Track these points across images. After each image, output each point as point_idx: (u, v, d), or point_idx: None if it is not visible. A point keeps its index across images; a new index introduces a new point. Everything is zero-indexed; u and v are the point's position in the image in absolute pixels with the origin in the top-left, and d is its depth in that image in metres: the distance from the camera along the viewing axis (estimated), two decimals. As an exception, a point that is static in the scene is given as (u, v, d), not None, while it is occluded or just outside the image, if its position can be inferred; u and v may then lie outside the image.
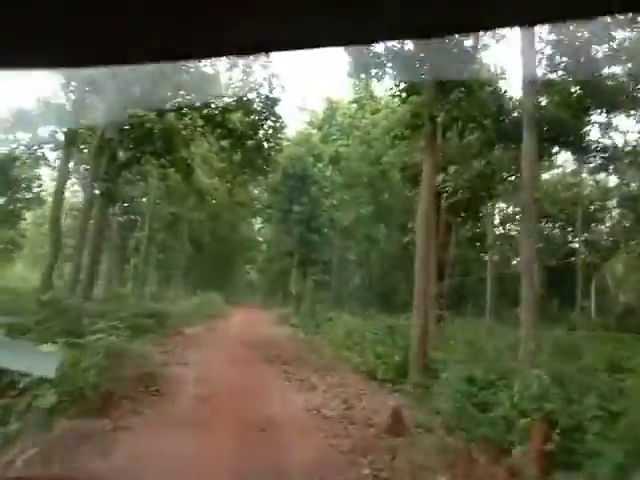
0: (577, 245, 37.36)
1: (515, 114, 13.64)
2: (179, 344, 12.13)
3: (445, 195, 13.01)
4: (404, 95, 11.31)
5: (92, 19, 0.52)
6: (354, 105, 37.50)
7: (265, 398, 7.14)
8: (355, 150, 35.07)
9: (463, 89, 11.09)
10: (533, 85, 9.78)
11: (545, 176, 33.45)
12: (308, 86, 57.55)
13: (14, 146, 27.76)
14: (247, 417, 5.98)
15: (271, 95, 17.43)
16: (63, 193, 13.55)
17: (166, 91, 16.14)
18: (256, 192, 42.89)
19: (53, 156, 32.40)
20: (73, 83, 15.98)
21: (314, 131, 37.43)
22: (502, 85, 14.62)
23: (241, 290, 54.38)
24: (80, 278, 15.12)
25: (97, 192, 16.31)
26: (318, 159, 32.41)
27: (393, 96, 12.83)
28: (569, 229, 36.52)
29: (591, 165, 31.54)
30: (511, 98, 13.82)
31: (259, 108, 17.82)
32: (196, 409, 6.41)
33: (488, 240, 22.46)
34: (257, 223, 53.75)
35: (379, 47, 15.93)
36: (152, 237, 25.80)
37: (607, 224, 37.25)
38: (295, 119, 38.50)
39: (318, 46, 0.56)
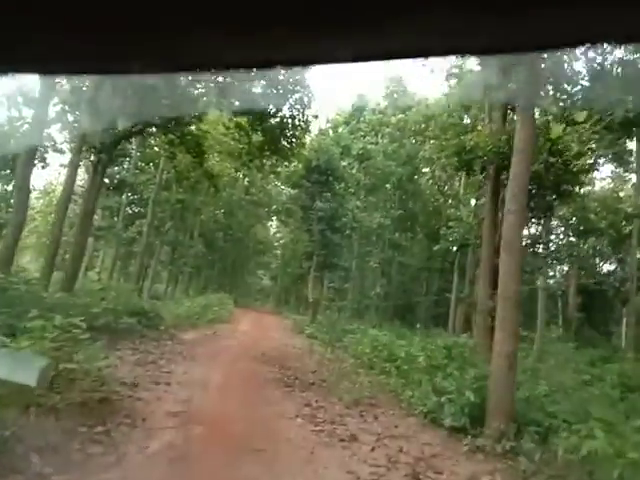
0: (614, 266, 34.14)
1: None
2: (167, 353, 9.31)
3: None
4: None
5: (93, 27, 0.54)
6: (385, 101, 34.86)
7: (279, 465, 4.25)
8: (385, 148, 32.34)
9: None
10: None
11: (588, 188, 30.33)
12: (336, 81, 54.91)
13: (19, 124, 25.54)
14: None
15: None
16: (32, 159, 10.82)
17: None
18: (273, 193, 40.35)
19: (61, 138, 30.13)
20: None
21: (341, 122, 34.67)
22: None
23: (253, 295, 51.60)
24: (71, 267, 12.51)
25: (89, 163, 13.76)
26: (345, 153, 29.66)
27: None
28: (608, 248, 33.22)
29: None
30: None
31: (285, 77, 15.10)
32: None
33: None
34: (273, 227, 51.21)
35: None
36: (157, 228, 23.16)
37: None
38: (321, 115, 35.82)
39: (329, 62, 0.56)
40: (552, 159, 12.69)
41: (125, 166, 29.18)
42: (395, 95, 33.67)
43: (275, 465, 4.21)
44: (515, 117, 14.71)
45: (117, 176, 27.93)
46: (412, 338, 15.06)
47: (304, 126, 16.13)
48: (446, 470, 4.56)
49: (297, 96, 15.31)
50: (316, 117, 16.71)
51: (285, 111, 15.72)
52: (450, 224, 27.19)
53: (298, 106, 15.54)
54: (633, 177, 29.89)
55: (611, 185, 32.75)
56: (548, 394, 8.15)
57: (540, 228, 20.27)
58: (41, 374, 3.95)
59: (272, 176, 34.57)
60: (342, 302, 32.27)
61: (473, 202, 28.49)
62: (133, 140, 23.98)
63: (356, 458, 4.61)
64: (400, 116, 32.43)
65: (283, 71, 15.39)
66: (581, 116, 8.68)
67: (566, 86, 10.24)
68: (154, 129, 15.95)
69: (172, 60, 0.59)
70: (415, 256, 34.87)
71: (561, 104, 11.37)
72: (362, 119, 34.46)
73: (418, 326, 18.25)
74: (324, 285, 30.77)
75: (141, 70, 0.60)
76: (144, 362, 7.91)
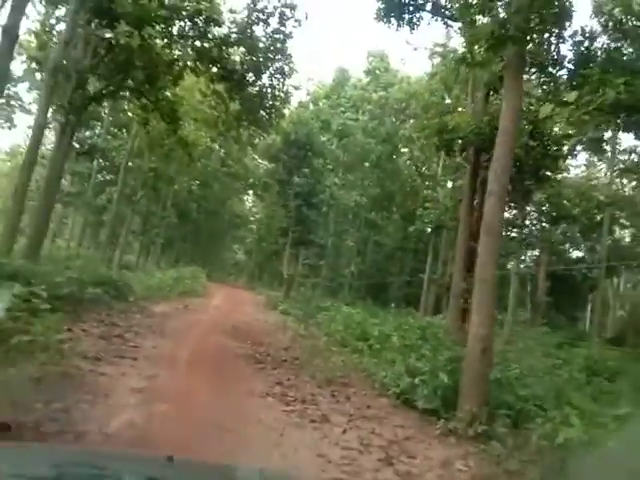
0: (583, 253, 34.98)
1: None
2: (135, 326, 9.00)
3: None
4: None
5: None
6: (367, 77, 34.29)
7: (247, 447, 4.06)
8: (365, 125, 31.95)
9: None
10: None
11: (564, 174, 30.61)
12: (318, 53, 53.77)
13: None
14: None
15: (282, 29, 14.16)
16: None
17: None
18: (250, 166, 39.57)
19: (29, 97, 28.62)
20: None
21: (321, 96, 34.00)
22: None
23: (227, 269, 51.12)
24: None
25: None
26: (325, 128, 29.18)
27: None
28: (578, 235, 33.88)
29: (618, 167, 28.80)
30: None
31: (266, 45, 14.55)
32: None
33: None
34: (249, 201, 50.51)
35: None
36: (129, 196, 22.45)
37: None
38: (301, 90, 34.97)
39: None
40: (532, 142, 12.61)
41: (97, 131, 28.15)
42: (377, 72, 33.13)
43: (243, 447, 4.02)
44: (499, 99, 14.61)
45: (88, 141, 26.93)
46: (385, 317, 15.08)
47: (284, 96, 15.66)
48: (419, 454, 4.45)
49: (278, 65, 14.81)
50: (297, 88, 16.23)
51: (265, 80, 15.21)
52: (427, 205, 27.20)
53: (278, 75, 15.04)
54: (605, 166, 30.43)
55: (584, 173, 33.20)
56: (519, 377, 8.19)
57: (515, 212, 20.42)
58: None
59: (249, 148, 33.90)
60: (316, 279, 32.20)
61: (449, 184, 28.54)
62: (105, 104, 23.08)
63: (327, 440, 4.47)
64: (381, 93, 32.00)
65: (264, 38, 14.86)
66: (571, 96, 8.50)
67: (551, 69, 10.06)
68: (127, 92, 15.26)
69: None
70: (390, 236, 34.88)
71: (545, 87, 11.25)
72: (343, 94, 33.87)
73: (393, 305, 18.24)
74: (299, 261, 30.61)
75: None
76: (110, 335, 7.59)
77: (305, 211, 23.58)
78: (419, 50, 26.36)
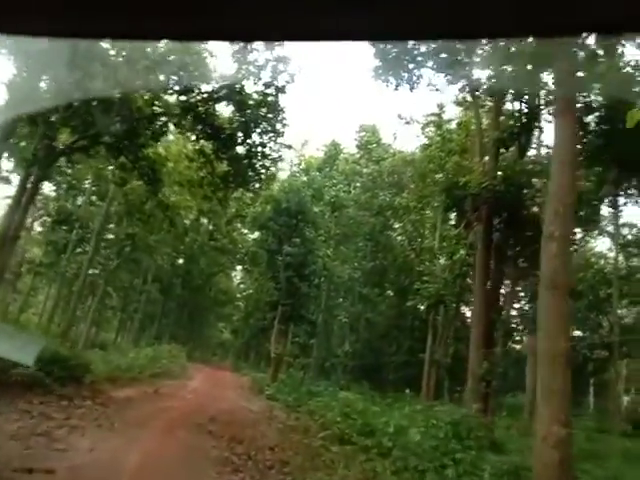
0: (581, 332, 33.12)
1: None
2: (76, 418, 6.85)
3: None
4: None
5: None
6: (359, 151, 34.04)
7: None
8: (358, 198, 31.15)
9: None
10: None
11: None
12: (310, 127, 54.54)
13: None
14: None
15: (275, 83, 13.21)
16: None
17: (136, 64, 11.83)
18: (239, 240, 38.19)
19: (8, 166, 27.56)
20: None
21: (314, 166, 33.51)
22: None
23: (211, 349, 48.16)
24: None
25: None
26: (317, 197, 28.17)
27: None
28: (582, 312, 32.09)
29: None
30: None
31: (255, 101, 13.52)
32: None
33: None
34: (237, 278, 48.68)
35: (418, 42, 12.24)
36: (103, 266, 20.56)
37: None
38: (293, 162, 34.58)
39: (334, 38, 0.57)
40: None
41: (78, 201, 26.79)
42: (369, 146, 32.93)
43: None
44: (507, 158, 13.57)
45: (66, 209, 25.49)
46: (387, 403, 13.06)
47: (275, 156, 14.45)
48: None
49: (269, 122, 13.71)
50: (289, 147, 15.06)
51: (255, 138, 14.05)
52: (425, 279, 25.64)
53: (270, 133, 13.91)
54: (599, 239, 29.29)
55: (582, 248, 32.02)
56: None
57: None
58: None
59: (238, 223, 32.80)
60: (307, 359, 29.73)
61: (442, 260, 27.22)
62: (89, 176, 21.92)
63: None
64: (373, 167, 31.62)
65: (255, 94, 13.90)
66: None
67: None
68: (102, 149, 13.95)
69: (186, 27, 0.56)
70: (383, 313, 33.05)
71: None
72: (335, 167, 33.45)
73: (408, 391, 16.17)
74: (288, 339, 28.28)
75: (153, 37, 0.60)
76: (30, 432, 5.52)
77: (296, 282, 21.79)
78: (412, 124, 26.18)
